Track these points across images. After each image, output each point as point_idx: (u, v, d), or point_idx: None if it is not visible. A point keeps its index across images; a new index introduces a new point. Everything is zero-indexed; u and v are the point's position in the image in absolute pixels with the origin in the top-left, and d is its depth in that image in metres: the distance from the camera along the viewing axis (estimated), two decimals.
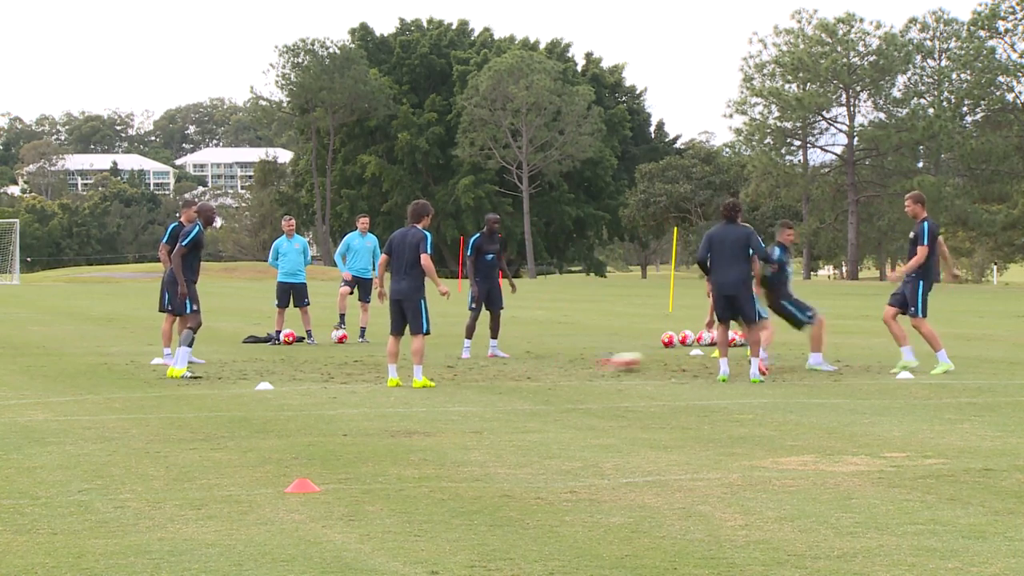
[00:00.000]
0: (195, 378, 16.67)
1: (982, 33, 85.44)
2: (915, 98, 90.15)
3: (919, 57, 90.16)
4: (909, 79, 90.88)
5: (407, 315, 15.74)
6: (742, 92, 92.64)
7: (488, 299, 20.43)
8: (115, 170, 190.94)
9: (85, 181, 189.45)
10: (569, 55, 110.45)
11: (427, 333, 15.74)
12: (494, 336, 20.53)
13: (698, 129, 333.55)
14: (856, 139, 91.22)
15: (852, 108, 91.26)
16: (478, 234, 20.64)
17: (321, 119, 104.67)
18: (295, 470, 9.74)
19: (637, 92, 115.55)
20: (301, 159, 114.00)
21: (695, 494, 8.76)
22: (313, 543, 7.38)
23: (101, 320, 31.75)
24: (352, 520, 7.98)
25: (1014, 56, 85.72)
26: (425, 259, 15.69)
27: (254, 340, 23.45)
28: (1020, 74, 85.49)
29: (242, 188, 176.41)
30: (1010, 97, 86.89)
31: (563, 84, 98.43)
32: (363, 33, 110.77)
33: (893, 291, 17.84)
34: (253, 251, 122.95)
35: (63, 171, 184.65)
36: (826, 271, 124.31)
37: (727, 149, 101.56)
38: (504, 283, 20.86)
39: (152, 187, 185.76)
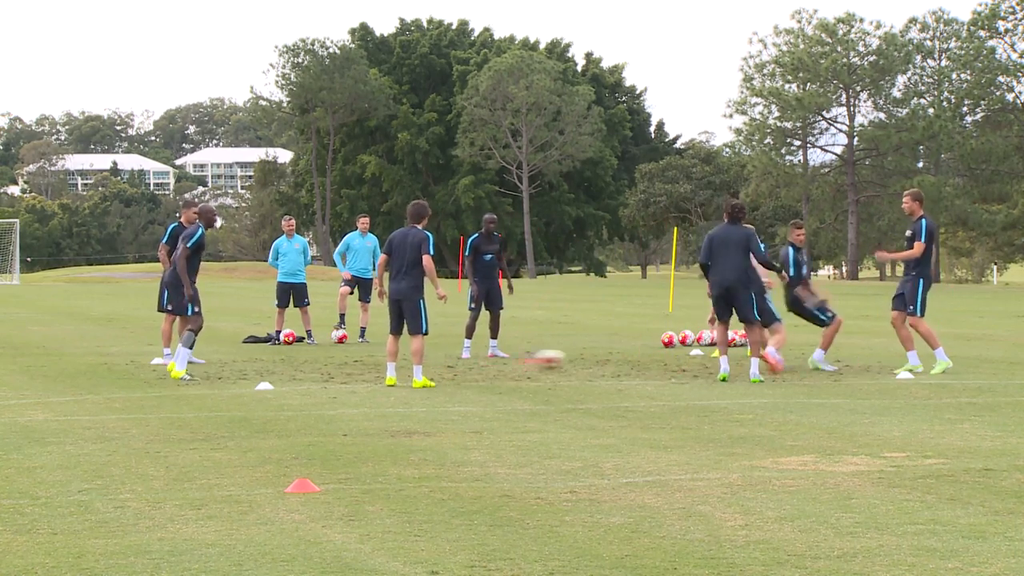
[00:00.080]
0: (191, 381, 16.66)
1: (982, 33, 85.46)
2: (915, 98, 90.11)
3: (919, 57, 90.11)
4: (909, 79, 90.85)
5: (405, 315, 15.75)
6: (742, 92, 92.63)
7: (488, 299, 20.44)
8: (115, 170, 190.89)
9: (85, 181, 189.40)
10: (569, 55, 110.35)
11: (426, 333, 15.76)
12: (494, 336, 20.53)
13: (698, 129, 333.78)
14: (856, 139, 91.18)
15: (852, 108, 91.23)
16: (476, 234, 20.68)
17: (321, 119, 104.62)
18: (295, 470, 9.74)
19: (637, 92, 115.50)
20: (301, 159, 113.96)
21: (695, 494, 8.76)
22: (313, 543, 7.37)
23: (101, 320, 31.74)
24: (352, 520, 7.98)
25: (1014, 56, 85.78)
26: (427, 260, 15.70)
27: (254, 340, 23.45)
28: (1020, 74, 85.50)
29: (242, 188, 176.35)
30: (1010, 97, 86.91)
31: (563, 84, 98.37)
32: (363, 33, 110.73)
33: (894, 294, 17.83)
34: (253, 251, 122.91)
35: (63, 171, 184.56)
36: (826, 271, 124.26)
37: (727, 149, 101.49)
38: (502, 284, 20.85)
39: (152, 187, 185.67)
